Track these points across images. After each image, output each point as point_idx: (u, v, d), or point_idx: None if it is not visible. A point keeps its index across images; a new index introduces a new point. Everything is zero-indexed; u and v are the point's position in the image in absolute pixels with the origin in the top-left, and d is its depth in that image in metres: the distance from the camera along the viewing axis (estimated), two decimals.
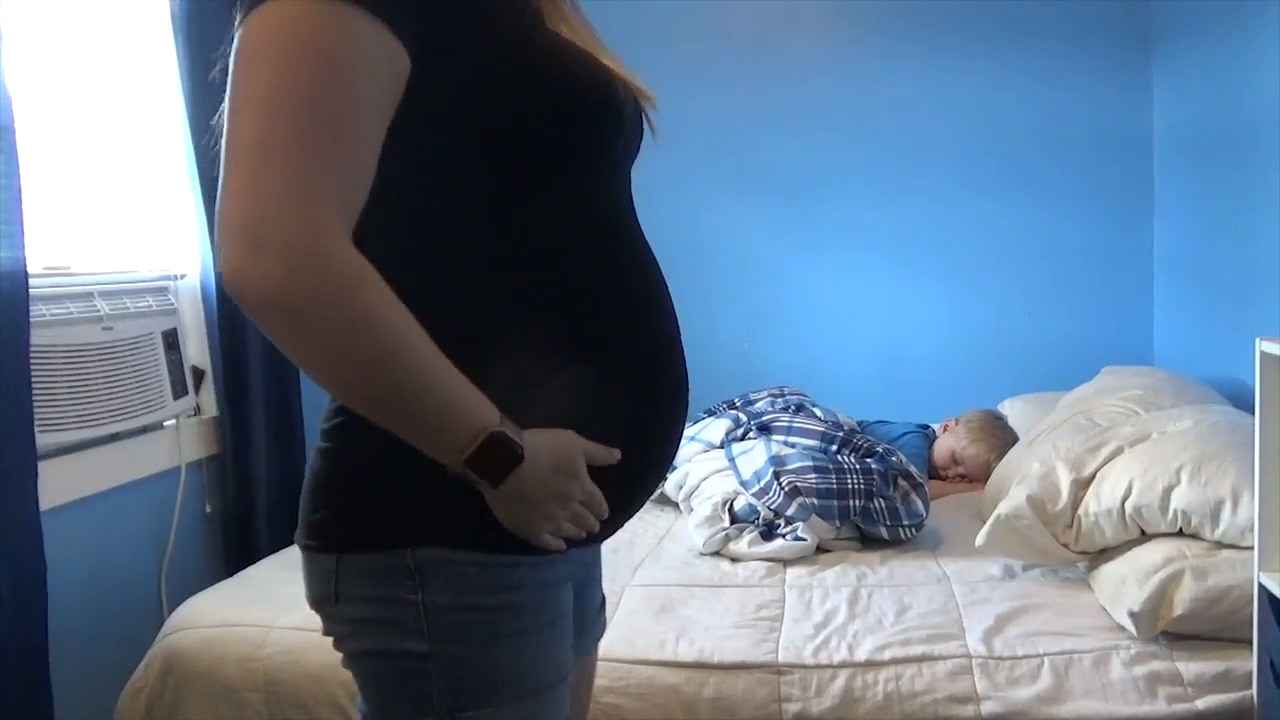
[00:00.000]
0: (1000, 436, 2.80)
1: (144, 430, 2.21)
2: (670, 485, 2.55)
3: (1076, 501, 1.94)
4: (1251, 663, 1.61)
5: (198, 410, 2.43)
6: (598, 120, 0.92)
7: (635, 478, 0.97)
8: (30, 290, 1.74)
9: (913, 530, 2.27)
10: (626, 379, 0.93)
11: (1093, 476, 1.97)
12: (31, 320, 1.75)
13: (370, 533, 0.89)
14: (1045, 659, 1.69)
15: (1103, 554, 1.93)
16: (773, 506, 2.24)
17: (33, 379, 1.75)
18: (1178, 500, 1.81)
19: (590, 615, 1.11)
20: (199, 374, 2.43)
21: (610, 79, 0.94)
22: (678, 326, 1.00)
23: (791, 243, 3.32)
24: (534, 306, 0.90)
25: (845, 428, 2.56)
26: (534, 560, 0.90)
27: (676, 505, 2.55)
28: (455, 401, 0.82)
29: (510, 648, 0.89)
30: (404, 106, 0.82)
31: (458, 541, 0.88)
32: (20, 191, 1.70)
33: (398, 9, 0.78)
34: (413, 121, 0.82)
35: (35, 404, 1.77)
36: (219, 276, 2.41)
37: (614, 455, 0.90)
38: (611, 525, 0.98)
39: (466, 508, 0.86)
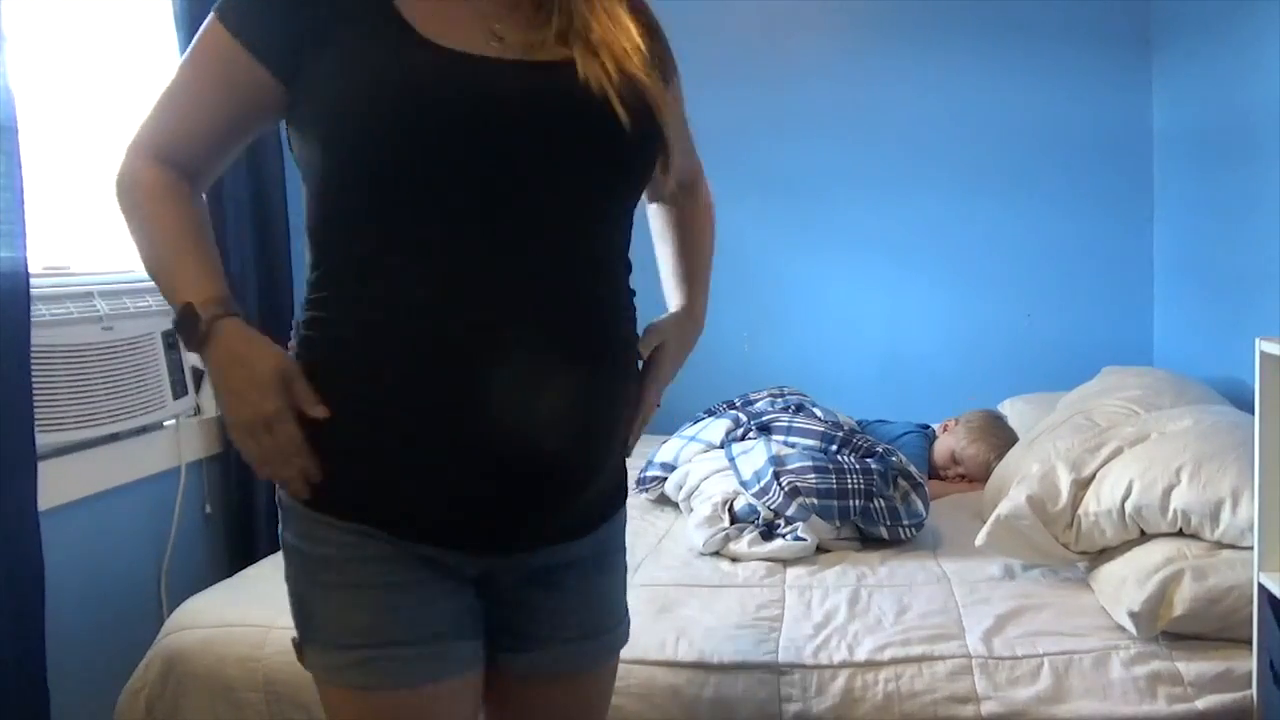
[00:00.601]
0: (1000, 436, 2.80)
1: (144, 430, 2.21)
2: (670, 485, 2.56)
3: (1076, 502, 1.94)
4: (1251, 663, 1.61)
5: (198, 410, 2.43)
6: (379, 143, 0.95)
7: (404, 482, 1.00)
8: (30, 290, 1.74)
9: (913, 530, 2.27)
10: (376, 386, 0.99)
11: (1092, 477, 1.97)
12: (32, 320, 1.75)
13: None
14: (1045, 659, 1.69)
15: (1103, 554, 1.93)
16: (773, 506, 2.24)
17: (33, 379, 1.75)
18: (1177, 500, 1.81)
19: (529, 632, 1.11)
20: (199, 374, 2.43)
21: (426, 95, 0.94)
22: (495, 343, 0.97)
23: (792, 243, 3.33)
24: (346, 313, 1.00)
25: (845, 428, 2.56)
26: (336, 522, 1.01)
27: (676, 505, 2.55)
28: (175, 277, 1.00)
29: (322, 596, 1.04)
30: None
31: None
32: (22, 192, 1.69)
33: (254, 29, 0.98)
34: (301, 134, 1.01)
35: (35, 404, 1.77)
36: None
37: (318, 407, 0.98)
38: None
39: None
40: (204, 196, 1.09)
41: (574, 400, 1.02)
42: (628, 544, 1.23)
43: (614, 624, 1.18)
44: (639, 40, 1.06)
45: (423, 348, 0.97)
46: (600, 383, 1.04)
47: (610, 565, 1.17)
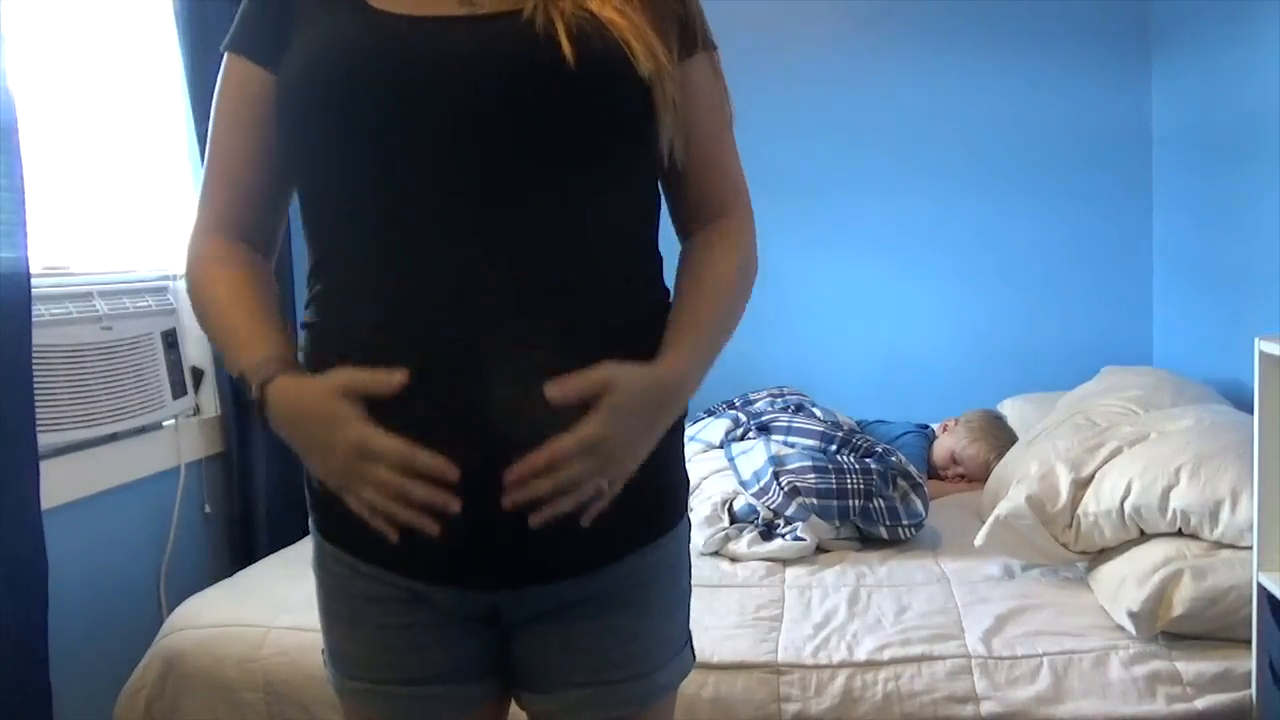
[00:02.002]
0: (1000, 436, 2.80)
1: (143, 430, 2.21)
2: None
3: (1076, 501, 1.94)
4: (1250, 663, 1.61)
5: (197, 410, 2.43)
6: (303, 108, 0.91)
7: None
8: (31, 290, 1.73)
9: (912, 530, 2.27)
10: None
11: (1092, 476, 1.97)
12: (31, 320, 1.75)
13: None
14: (1044, 659, 1.69)
15: (1102, 554, 1.93)
16: (772, 506, 2.24)
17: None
18: (1177, 500, 1.81)
19: (542, 674, 1.02)
20: (198, 374, 2.43)
21: (340, 59, 0.88)
22: (429, 328, 0.87)
23: (791, 242, 3.32)
24: (311, 300, 0.96)
25: (845, 428, 2.56)
26: (335, 551, 0.99)
27: None
28: (229, 350, 0.94)
29: (327, 623, 1.03)
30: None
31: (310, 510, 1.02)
32: (23, 192, 1.69)
33: (241, 35, 0.97)
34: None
35: (35, 404, 1.76)
36: None
37: (393, 375, 0.84)
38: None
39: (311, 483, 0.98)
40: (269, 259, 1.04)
41: (533, 408, 0.85)
42: None
43: (646, 669, 1.01)
44: None
45: (356, 360, 0.88)
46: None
47: (640, 604, 1.00)
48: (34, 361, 1.77)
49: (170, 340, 2.28)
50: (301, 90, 0.90)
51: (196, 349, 2.43)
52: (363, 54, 0.89)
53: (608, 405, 0.86)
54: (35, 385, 1.77)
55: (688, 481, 1.07)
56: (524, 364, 0.86)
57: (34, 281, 1.75)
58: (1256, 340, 1.57)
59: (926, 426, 3.02)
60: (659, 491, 1.01)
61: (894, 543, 2.26)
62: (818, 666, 1.70)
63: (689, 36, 0.99)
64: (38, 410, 1.79)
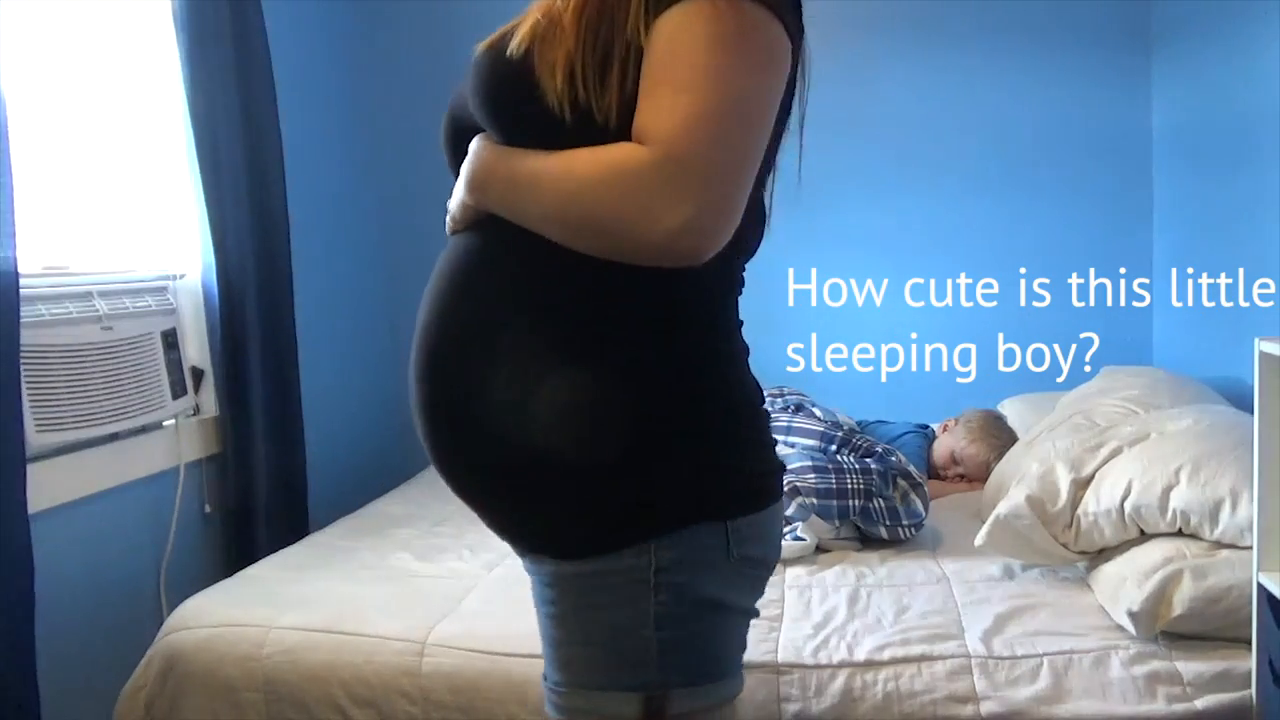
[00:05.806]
0: (1000, 436, 2.80)
1: (143, 430, 2.21)
2: None
3: (1075, 501, 1.94)
4: (1250, 662, 1.61)
5: (197, 410, 2.43)
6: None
7: None
8: (26, 290, 1.73)
9: (912, 530, 2.27)
10: None
11: (1092, 476, 1.97)
12: (30, 320, 1.75)
13: None
14: (1044, 659, 1.69)
15: (1102, 554, 1.93)
16: None
17: (31, 379, 1.75)
18: (1177, 500, 1.81)
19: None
20: (198, 374, 2.43)
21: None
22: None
23: (790, 242, 3.32)
24: None
25: (845, 428, 2.56)
26: None
27: None
28: None
29: None
30: None
31: None
32: (11, 191, 1.68)
33: None
34: None
35: (34, 404, 1.76)
36: (222, 275, 2.43)
37: None
38: None
39: None
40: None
41: (417, 392, 1.04)
42: None
43: (557, 682, 0.98)
44: None
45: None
46: (439, 371, 1.01)
47: (561, 606, 0.96)
48: (34, 361, 1.76)
49: (170, 340, 2.28)
50: None
51: (196, 349, 2.43)
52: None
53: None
54: (35, 385, 1.77)
55: (666, 508, 0.93)
56: (419, 363, 1.03)
57: (34, 281, 1.75)
58: (1257, 341, 1.57)
59: (926, 426, 3.02)
60: (595, 507, 0.93)
61: (894, 543, 2.26)
62: (818, 666, 1.70)
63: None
64: (38, 410, 1.79)
